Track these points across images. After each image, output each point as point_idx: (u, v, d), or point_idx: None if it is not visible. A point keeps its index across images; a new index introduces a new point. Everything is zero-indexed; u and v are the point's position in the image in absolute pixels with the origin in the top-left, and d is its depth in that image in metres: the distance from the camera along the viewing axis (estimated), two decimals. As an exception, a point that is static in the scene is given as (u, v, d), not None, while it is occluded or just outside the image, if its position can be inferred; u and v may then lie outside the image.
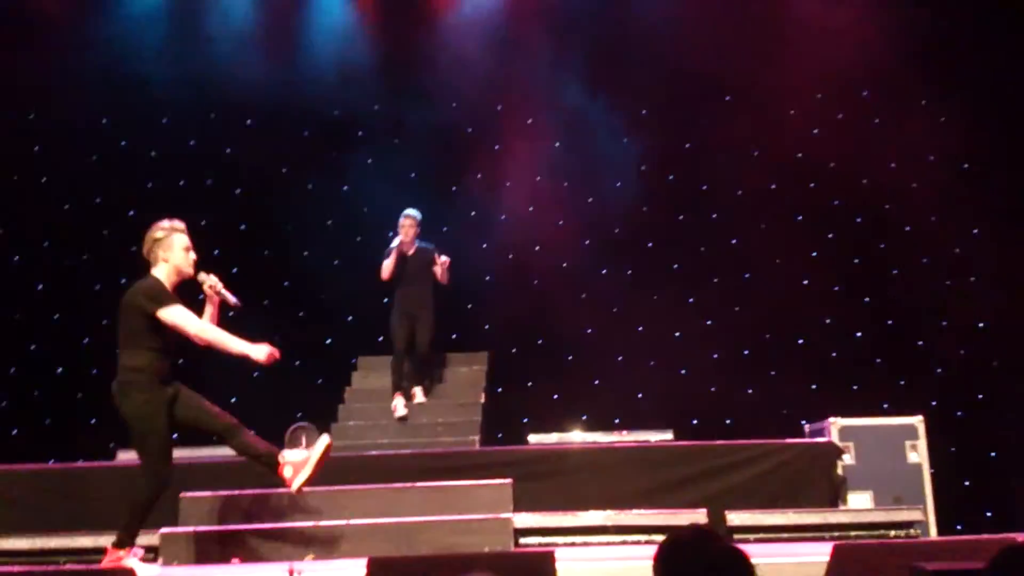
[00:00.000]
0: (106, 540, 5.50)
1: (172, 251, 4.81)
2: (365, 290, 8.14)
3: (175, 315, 4.66)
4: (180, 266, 4.83)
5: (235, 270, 9.22)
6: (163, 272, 4.80)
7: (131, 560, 4.59)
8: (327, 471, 6.09)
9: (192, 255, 4.89)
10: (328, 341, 9.03)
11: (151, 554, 5.42)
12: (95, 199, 9.42)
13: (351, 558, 4.84)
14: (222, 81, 9.38)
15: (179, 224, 4.92)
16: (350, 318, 9.08)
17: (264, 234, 9.27)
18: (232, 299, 5.00)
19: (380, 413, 7.48)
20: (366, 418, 7.49)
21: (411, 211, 7.66)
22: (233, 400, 8.60)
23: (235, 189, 9.47)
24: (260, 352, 4.81)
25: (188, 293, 4.98)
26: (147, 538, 5.48)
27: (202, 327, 4.80)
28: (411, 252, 7.60)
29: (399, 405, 7.41)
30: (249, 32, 9.63)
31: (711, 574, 2.15)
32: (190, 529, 5.36)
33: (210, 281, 4.98)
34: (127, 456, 7.04)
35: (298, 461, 4.79)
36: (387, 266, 7.52)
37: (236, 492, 5.71)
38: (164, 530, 5.31)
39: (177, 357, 4.88)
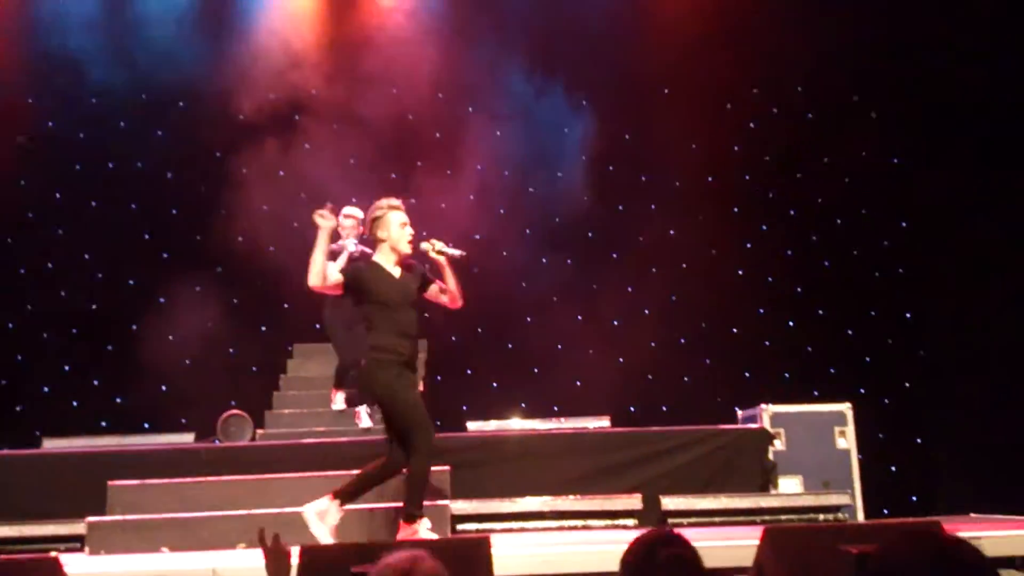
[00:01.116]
0: (31, 530, 5.37)
1: (389, 229, 4.83)
2: (301, 277, 8.00)
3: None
4: (396, 244, 4.85)
5: (165, 255, 9.06)
6: (383, 253, 4.86)
7: (423, 529, 4.67)
8: (260, 459, 6.04)
9: (409, 231, 4.88)
10: (263, 328, 8.89)
11: (78, 543, 5.28)
12: (19, 181, 9.10)
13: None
14: (153, 62, 9.13)
15: (395, 201, 4.94)
16: (286, 305, 8.95)
17: (197, 219, 9.05)
18: (457, 253, 4.92)
19: (316, 401, 7.39)
20: (301, 406, 7.39)
21: (353, 210, 7.08)
22: (164, 388, 8.48)
23: (166, 173, 9.22)
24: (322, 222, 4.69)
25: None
26: (73, 527, 5.34)
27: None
28: (352, 251, 7.03)
29: (339, 400, 7.24)
30: (183, 11, 9.38)
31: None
32: (118, 518, 5.22)
33: (434, 247, 4.90)
34: (53, 444, 6.86)
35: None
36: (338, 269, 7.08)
37: (165, 481, 5.58)
38: (91, 519, 5.17)
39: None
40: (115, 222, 8.97)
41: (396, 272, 4.90)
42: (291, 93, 9.39)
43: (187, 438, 7.06)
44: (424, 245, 4.92)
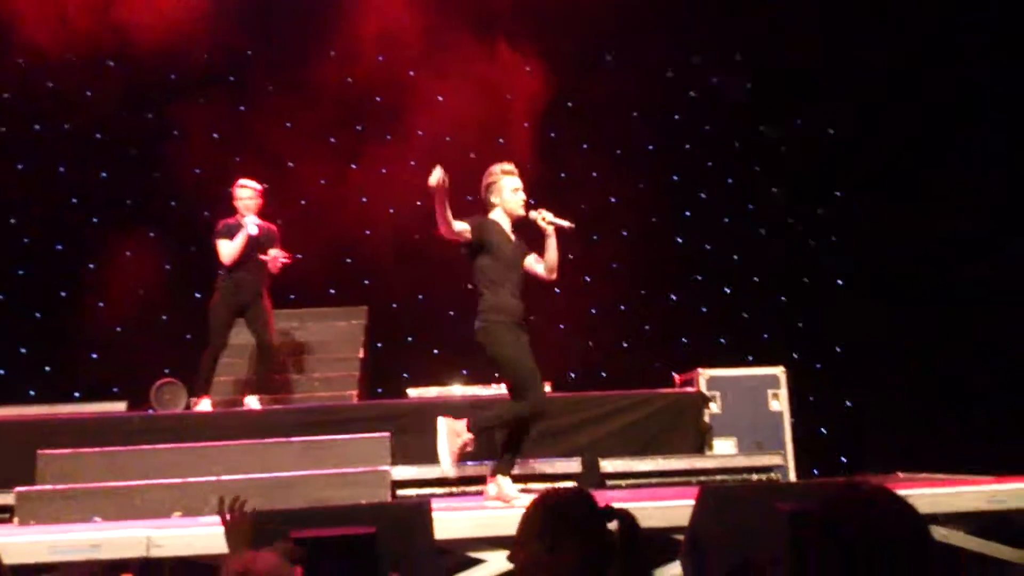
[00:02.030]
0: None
1: (501, 194, 4.90)
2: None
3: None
4: (509, 207, 4.91)
5: (95, 220, 8.80)
6: (498, 215, 4.93)
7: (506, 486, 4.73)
8: (195, 427, 5.94)
9: (520, 195, 4.92)
10: (197, 295, 8.70)
11: (6, 514, 5.14)
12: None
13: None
14: (84, 16, 8.76)
15: (507, 166, 4.98)
16: (221, 272, 8.76)
17: (127, 183, 8.81)
18: (566, 224, 4.89)
19: (253, 368, 7.26)
20: (236, 373, 7.26)
21: (248, 182, 6.76)
22: (95, 356, 8.28)
23: (95, 134, 8.92)
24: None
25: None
26: (1, 497, 5.21)
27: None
28: (253, 231, 6.64)
29: (205, 406, 6.49)
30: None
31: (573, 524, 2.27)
32: (48, 487, 5.10)
33: (541, 215, 4.89)
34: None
35: None
36: (233, 250, 6.55)
37: (97, 449, 5.47)
38: (20, 488, 5.04)
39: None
40: (42, 186, 8.67)
41: (511, 234, 4.96)
42: (226, 54, 9.15)
43: (119, 406, 6.92)
44: (533, 214, 4.93)
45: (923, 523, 1.77)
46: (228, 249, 6.56)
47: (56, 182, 8.78)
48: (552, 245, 4.93)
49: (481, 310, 4.89)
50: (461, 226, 4.81)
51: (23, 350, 8.42)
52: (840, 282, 9.33)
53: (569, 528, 2.27)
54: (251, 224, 6.55)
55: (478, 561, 4.17)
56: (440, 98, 9.51)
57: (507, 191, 4.94)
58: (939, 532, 4.34)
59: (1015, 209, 8.11)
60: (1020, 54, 7.98)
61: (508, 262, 4.88)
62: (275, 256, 6.59)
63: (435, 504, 3.89)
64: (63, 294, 8.44)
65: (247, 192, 6.65)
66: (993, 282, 8.05)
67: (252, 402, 6.56)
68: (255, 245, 6.60)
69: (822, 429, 8.46)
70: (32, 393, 7.93)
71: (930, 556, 1.73)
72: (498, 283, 4.86)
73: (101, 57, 9.01)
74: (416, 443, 5.97)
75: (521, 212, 4.95)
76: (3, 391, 7.64)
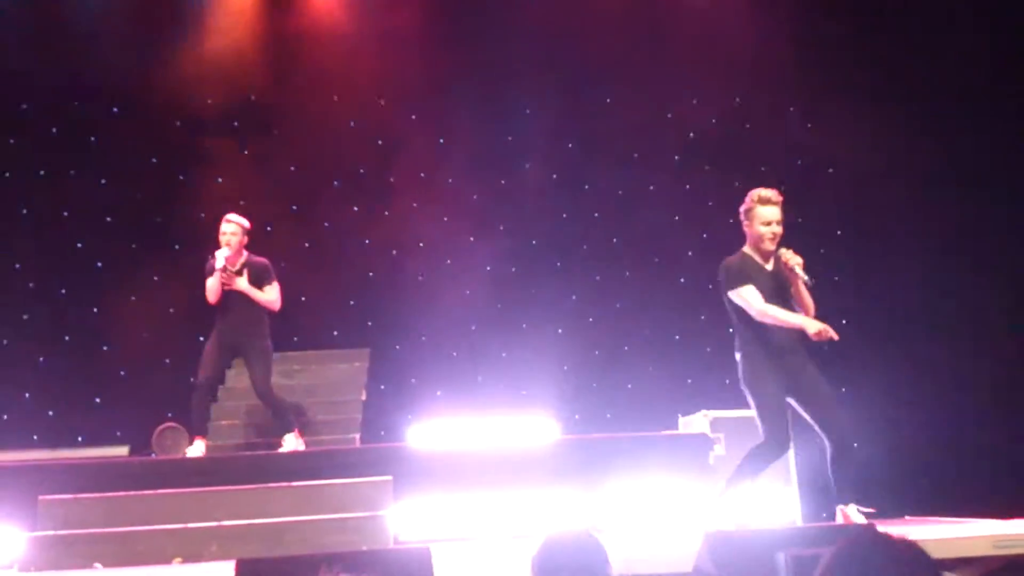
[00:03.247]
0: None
1: (752, 223, 4.87)
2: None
3: (740, 296, 4.79)
4: (756, 239, 4.88)
5: (99, 264, 8.84)
6: (750, 244, 4.91)
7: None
8: (197, 472, 5.91)
9: (773, 229, 4.84)
10: (200, 339, 8.71)
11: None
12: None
13: (220, 560, 4.68)
14: (86, 66, 8.90)
15: (765, 193, 4.88)
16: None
17: (133, 226, 8.86)
18: (805, 278, 4.79)
19: (255, 411, 7.24)
20: (239, 418, 7.23)
21: (235, 216, 6.55)
22: (98, 400, 8.27)
23: (100, 180, 8.99)
24: (813, 326, 4.66)
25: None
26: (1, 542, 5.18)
27: (763, 308, 4.75)
28: (236, 267, 6.44)
29: (198, 449, 6.28)
30: (116, 14, 9.15)
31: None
32: (49, 533, 5.06)
33: (788, 259, 4.82)
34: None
35: None
36: (211, 288, 6.36)
37: (98, 495, 5.43)
38: (23, 534, 5.00)
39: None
40: (47, 231, 8.73)
41: (768, 265, 4.90)
42: (229, 99, 9.24)
43: (121, 451, 6.89)
44: (782, 252, 4.86)
45: (934, 569, 1.73)
46: (208, 285, 6.41)
47: (61, 227, 8.84)
48: (800, 289, 4.88)
49: (740, 344, 4.94)
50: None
51: (27, 395, 8.42)
52: (844, 322, 9.29)
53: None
54: (220, 256, 6.32)
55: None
56: (441, 140, 9.60)
57: (757, 223, 4.88)
58: (946, 576, 4.29)
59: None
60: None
61: (767, 293, 4.81)
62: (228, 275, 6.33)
63: (436, 550, 3.85)
64: (67, 338, 8.46)
65: (230, 227, 6.43)
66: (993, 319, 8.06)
67: (289, 442, 6.36)
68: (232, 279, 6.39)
69: (829, 473, 8.37)
70: (35, 438, 7.92)
71: None
72: (745, 319, 4.84)
73: (104, 103, 9.11)
74: (419, 488, 5.93)
75: (768, 247, 4.86)
76: (6, 436, 7.61)
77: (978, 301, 8.38)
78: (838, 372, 8.82)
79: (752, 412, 4.92)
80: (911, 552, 1.74)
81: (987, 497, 5.59)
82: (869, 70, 9.07)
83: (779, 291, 4.87)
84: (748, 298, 4.80)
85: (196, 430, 6.35)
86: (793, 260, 4.82)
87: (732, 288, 4.84)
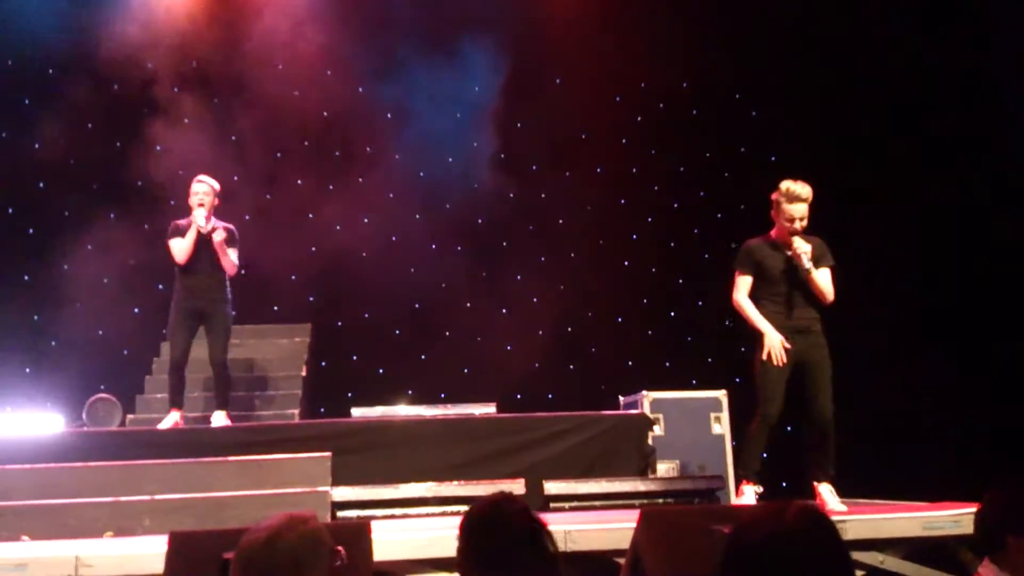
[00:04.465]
0: None
1: (779, 216, 5.02)
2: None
3: (735, 280, 5.14)
4: (780, 231, 5.06)
5: (31, 231, 8.57)
6: (775, 231, 5.09)
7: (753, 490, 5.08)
8: (130, 445, 5.79)
9: (796, 225, 4.96)
10: (136, 311, 8.52)
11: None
12: None
13: (154, 535, 4.59)
14: (22, 26, 8.57)
15: (795, 190, 4.96)
16: (160, 286, 8.59)
17: (66, 194, 8.59)
18: (807, 266, 4.96)
19: (191, 385, 7.08)
20: (198, 388, 7.06)
21: (206, 178, 6.36)
22: (28, 371, 8.04)
23: (34, 144, 8.70)
24: (768, 341, 4.99)
25: None
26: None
27: (738, 300, 5.13)
28: (208, 230, 6.21)
29: (172, 420, 6.23)
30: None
31: (510, 542, 2.22)
32: (-28, 506, 4.91)
33: (795, 246, 4.98)
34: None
35: None
36: (183, 248, 6.17)
37: (27, 467, 5.28)
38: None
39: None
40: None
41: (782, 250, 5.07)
42: (170, 65, 8.99)
43: (53, 422, 6.71)
44: (795, 240, 4.99)
45: (835, 534, 1.75)
46: (179, 245, 6.18)
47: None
48: (812, 276, 5.00)
49: None
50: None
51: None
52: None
53: (502, 542, 2.23)
54: (200, 216, 6.14)
55: (419, 584, 4.11)
56: (388, 115, 9.49)
57: (782, 217, 5.01)
58: (876, 558, 4.41)
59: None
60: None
61: (773, 279, 5.06)
62: (214, 227, 6.16)
63: (375, 526, 3.83)
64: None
65: (203, 187, 6.22)
66: (931, 308, 8.28)
67: (218, 419, 6.28)
68: (206, 246, 6.22)
69: (763, 454, 8.53)
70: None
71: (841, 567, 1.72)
72: (761, 299, 5.09)
73: (39, 65, 8.80)
74: (358, 464, 5.90)
75: (786, 239, 5.02)
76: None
77: (912, 285, 8.57)
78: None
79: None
80: (808, 518, 1.75)
81: (917, 484, 5.76)
82: (818, 60, 9.18)
83: (793, 274, 5.06)
84: (736, 285, 5.16)
85: (171, 402, 6.25)
86: (799, 248, 4.98)
87: (735, 268, 5.18)
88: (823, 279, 5.06)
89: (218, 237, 6.18)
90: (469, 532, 2.31)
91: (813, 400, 5.08)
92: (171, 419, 6.21)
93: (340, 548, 2.30)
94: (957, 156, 8.41)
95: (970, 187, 8.31)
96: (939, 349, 8.10)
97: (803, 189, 5.00)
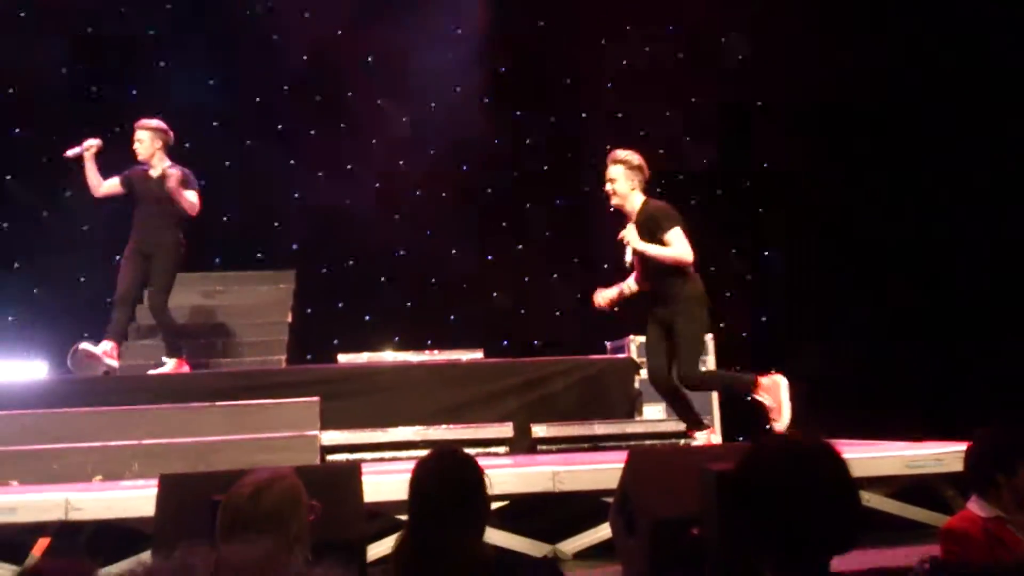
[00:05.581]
0: None
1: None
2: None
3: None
4: None
5: (8, 177, 8.42)
6: None
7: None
8: (117, 391, 5.76)
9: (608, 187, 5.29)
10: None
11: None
12: None
13: (143, 479, 4.59)
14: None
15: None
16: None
17: (43, 140, 8.41)
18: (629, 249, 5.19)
19: (180, 336, 7.04)
20: (158, 337, 7.01)
21: (141, 122, 6.33)
22: (11, 318, 7.96)
23: (8, 88, 8.50)
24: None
25: None
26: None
27: None
28: (155, 174, 6.20)
29: (102, 349, 6.11)
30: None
31: (446, 485, 2.40)
32: (-41, 452, 4.89)
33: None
34: None
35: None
36: (91, 180, 6.28)
37: (15, 411, 5.26)
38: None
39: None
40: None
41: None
42: (146, 8, 8.78)
43: (38, 369, 6.66)
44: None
45: (841, 461, 1.76)
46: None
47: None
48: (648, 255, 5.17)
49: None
50: None
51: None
52: (767, 253, 9.51)
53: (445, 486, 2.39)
54: (87, 143, 6.22)
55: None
56: (370, 58, 9.33)
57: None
58: (862, 496, 4.47)
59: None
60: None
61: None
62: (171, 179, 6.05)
63: (366, 468, 3.84)
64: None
65: (136, 135, 6.28)
66: (916, 245, 8.33)
67: (169, 367, 6.19)
68: (148, 189, 6.19)
69: (747, 397, 8.62)
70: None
71: (850, 495, 1.73)
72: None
73: (10, 6, 8.56)
74: (347, 409, 5.91)
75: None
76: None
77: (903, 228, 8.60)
78: (763, 300, 9.15)
79: None
80: (810, 447, 1.77)
81: (899, 423, 5.84)
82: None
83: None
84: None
85: (105, 332, 6.16)
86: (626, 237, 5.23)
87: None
88: (658, 251, 5.13)
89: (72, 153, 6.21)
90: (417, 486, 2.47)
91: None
92: (100, 347, 6.09)
93: (315, 503, 2.55)
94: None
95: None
96: (920, 281, 8.18)
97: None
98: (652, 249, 5.13)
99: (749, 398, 5.28)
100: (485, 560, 2.38)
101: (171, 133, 6.37)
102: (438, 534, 2.34)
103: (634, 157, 5.29)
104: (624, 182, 5.24)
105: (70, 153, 6.15)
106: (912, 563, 2.20)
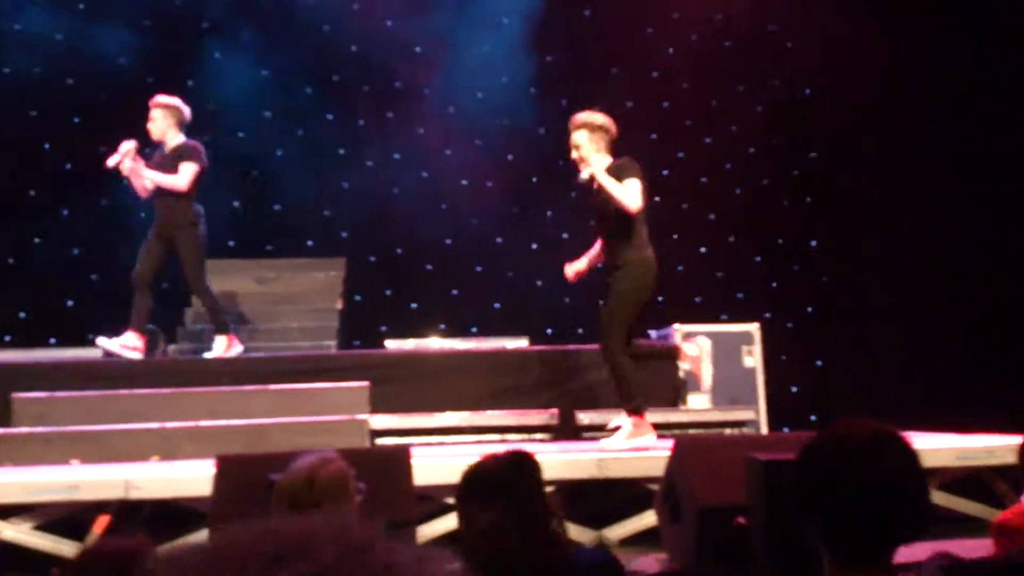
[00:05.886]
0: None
1: None
2: (214, 190, 7.76)
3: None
4: None
5: (68, 166, 8.65)
6: None
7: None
8: (173, 373, 5.92)
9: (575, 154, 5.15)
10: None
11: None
12: None
13: (198, 459, 4.73)
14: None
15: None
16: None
17: (100, 130, 8.61)
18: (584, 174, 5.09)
19: (229, 317, 7.22)
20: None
21: (162, 97, 6.19)
22: (70, 304, 8.20)
23: (67, 79, 8.73)
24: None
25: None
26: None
27: None
28: (170, 148, 6.11)
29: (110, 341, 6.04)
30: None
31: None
32: (24, 430, 5.07)
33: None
34: None
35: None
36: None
37: (75, 393, 5.44)
38: (-5, 432, 5.02)
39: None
40: (13, 131, 8.49)
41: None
42: (199, 2, 8.95)
43: (95, 353, 6.86)
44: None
45: (909, 448, 1.75)
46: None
47: (27, 128, 8.61)
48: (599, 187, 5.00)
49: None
50: None
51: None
52: (814, 243, 9.43)
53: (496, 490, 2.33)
54: (123, 148, 6.04)
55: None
56: (418, 48, 9.40)
57: None
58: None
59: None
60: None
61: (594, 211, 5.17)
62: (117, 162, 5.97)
63: (414, 452, 3.92)
64: (36, 240, 8.33)
65: (151, 112, 6.12)
66: (966, 240, 8.19)
67: (217, 345, 6.21)
68: (162, 169, 6.06)
69: (793, 387, 8.60)
70: (7, 339, 7.87)
71: (919, 487, 1.71)
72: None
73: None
74: (395, 394, 6.01)
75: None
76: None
77: (962, 219, 8.45)
78: (809, 290, 9.08)
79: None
80: (878, 437, 1.75)
81: (952, 414, 5.77)
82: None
83: (600, 212, 5.20)
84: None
85: (131, 324, 6.13)
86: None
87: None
88: (613, 185, 4.93)
89: (125, 167, 6.08)
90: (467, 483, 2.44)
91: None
92: (118, 340, 6.04)
93: (362, 483, 2.69)
94: None
95: None
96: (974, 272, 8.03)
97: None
98: (609, 182, 4.91)
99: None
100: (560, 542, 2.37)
101: (185, 109, 6.19)
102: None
103: (596, 117, 5.09)
104: (589, 146, 5.03)
105: (111, 162, 6.05)
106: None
